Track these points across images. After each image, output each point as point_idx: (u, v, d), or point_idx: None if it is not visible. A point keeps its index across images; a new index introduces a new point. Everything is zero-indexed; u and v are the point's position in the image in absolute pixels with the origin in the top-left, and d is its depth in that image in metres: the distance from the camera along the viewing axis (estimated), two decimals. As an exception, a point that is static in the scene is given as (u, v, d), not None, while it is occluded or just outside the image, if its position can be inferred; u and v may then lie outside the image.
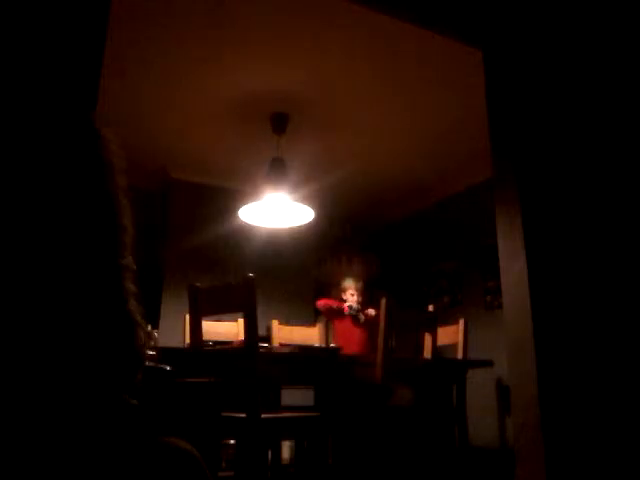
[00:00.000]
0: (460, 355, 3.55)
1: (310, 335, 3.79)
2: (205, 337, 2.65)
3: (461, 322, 3.62)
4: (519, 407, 1.83)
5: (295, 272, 4.97)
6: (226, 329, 3.42)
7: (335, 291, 4.40)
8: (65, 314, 0.44)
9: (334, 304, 4.16)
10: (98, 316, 0.46)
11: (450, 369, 3.43)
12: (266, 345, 2.93)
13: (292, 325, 3.90)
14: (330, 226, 5.32)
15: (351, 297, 4.17)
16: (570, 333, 1.84)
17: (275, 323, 3.68)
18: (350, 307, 4.09)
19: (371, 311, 4.06)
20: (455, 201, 4.99)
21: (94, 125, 0.52)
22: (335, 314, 4.16)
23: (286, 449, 4.04)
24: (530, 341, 1.79)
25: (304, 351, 2.87)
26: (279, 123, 3.80)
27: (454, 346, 3.59)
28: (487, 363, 3.60)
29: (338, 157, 4.46)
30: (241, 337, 2.80)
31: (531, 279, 1.84)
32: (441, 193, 5.11)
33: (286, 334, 3.67)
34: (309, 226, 4.31)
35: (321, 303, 4.22)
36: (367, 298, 4.34)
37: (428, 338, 3.24)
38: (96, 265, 0.47)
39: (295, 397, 3.50)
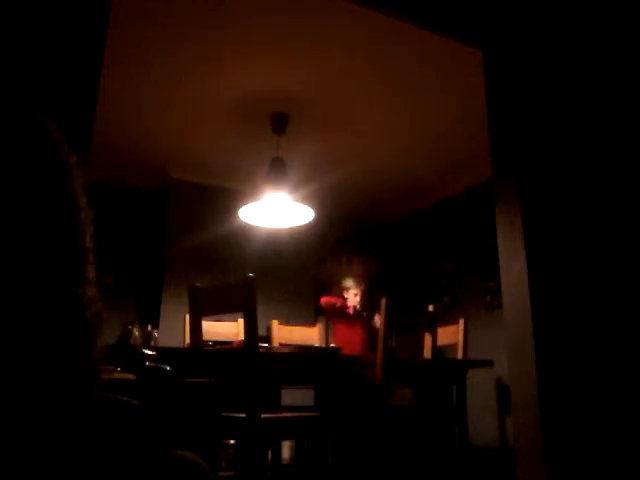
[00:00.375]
0: (460, 355, 3.55)
1: (310, 335, 3.79)
2: (205, 337, 2.65)
3: (461, 322, 3.62)
4: (519, 407, 1.83)
5: (295, 272, 4.97)
6: (226, 329, 3.42)
7: (336, 289, 4.39)
8: (7, 324, 0.39)
9: (337, 302, 4.14)
10: (48, 327, 0.42)
11: (450, 369, 3.43)
12: (266, 345, 2.93)
13: (292, 325, 3.90)
14: (330, 226, 5.32)
15: (353, 297, 4.15)
16: (570, 333, 1.84)
17: (275, 323, 3.67)
18: (355, 308, 4.08)
19: (377, 320, 3.99)
20: (455, 201, 4.99)
21: (43, 121, 0.47)
22: (338, 313, 4.14)
23: (286, 449, 4.04)
24: (530, 341, 1.79)
25: (304, 351, 2.87)
26: (279, 123, 3.80)
27: (454, 346, 3.59)
28: (487, 363, 3.60)
29: (338, 157, 4.45)
30: (241, 337, 2.79)
31: (531, 279, 1.84)
32: (441, 193, 5.11)
33: (286, 334, 3.67)
34: (309, 226, 4.30)
35: (324, 300, 4.20)
36: (367, 298, 4.33)
37: (428, 338, 3.24)
38: (46, 271, 0.42)
39: (295, 397, 3.49)
